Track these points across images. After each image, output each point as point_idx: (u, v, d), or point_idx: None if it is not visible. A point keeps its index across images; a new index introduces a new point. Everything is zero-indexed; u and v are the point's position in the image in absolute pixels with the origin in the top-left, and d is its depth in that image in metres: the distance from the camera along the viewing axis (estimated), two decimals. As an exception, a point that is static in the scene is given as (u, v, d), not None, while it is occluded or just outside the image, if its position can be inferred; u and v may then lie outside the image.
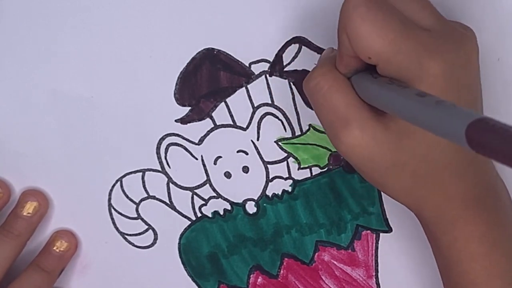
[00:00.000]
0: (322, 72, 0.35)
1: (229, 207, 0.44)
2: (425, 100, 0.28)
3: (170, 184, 0.44)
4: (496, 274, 0.36)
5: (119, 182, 0.44)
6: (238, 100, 0.43)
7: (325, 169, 0.44)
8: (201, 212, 0.44)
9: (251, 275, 0.45)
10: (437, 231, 0.37)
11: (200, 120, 0.43)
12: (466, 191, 0.36)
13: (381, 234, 0.45)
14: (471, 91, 0.35)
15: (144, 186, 0.44)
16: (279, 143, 0.43)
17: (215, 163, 0.44)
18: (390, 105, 0.32)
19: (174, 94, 0.43)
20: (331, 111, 0.35)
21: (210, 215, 0.44)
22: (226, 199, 0.44)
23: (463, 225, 0.36)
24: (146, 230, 0.45)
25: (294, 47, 0.42)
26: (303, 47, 0.42)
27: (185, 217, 0.44)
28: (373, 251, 0.45)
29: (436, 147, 0.34)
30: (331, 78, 0.35)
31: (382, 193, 0.44)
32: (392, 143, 0.34)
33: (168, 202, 0.44)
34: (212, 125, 0.43)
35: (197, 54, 0.42)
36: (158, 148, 0.43)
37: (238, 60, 0.42)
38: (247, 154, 0.44)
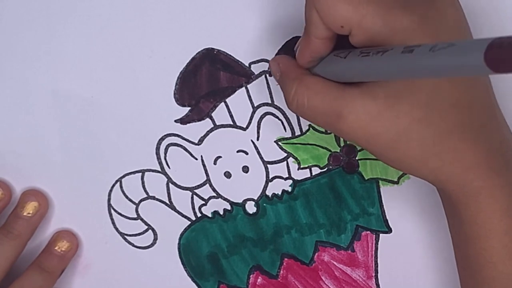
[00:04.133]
0: (295, 91, 0.36)
1: (229, 207, 0.44)
2: (418, 52, 0.28)
3: (170, 184, 0.44)
4: None
5: (118, 183, 0.44)
6: (238, 100, 0.43)
7: (325, 169, 0.44)
8: (201, 212, 0.44)
9: (251, 275, 0.45)
10: (460, 204, 0.36)
11: (199, 120, 0.43)
12: (484, 159, 0.35)
13: (381, 234, 0.44)
14: None
15: (143, 187, 0.44)
16: (279, 143, 0.43)
17: (215, 163, 0.44)
18: (379, 72, 0.31)
19: (174, 94, 0.43)
20: (322, 115, 0.35)
21: (210, 215, 0.44)
22: (226, 199, 0.44)
23: (485, 198, 0.35)
24: (146, 230, 0.45)
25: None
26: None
27: (185, 217, 0.44)
28: (373, 252, 0.45)
29: (432, 107, 0.33)
30: (304, 89, 0.36)
31: (382, 193, 0.44)
32: (386, 111, 0.34)
33: (168, 202, 0.44)
34: (212, 125, 0.43)
35: (197, 54, 0.42)
36: (157, 149, 0.43)
37: (238, 60, 0.42)
38: (247, 154, 0.44)
